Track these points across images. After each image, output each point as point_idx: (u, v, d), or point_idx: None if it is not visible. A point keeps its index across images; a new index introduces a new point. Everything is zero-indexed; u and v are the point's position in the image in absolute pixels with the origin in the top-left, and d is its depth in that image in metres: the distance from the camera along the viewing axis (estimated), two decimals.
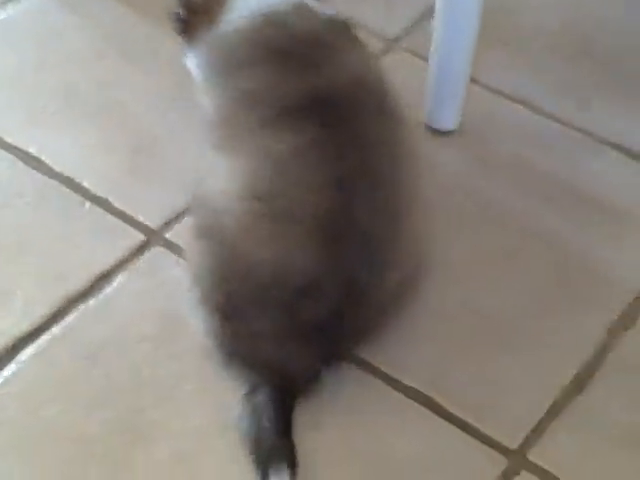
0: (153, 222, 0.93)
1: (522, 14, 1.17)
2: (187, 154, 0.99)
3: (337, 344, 0.76)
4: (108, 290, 0.87)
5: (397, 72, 1.02)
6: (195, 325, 0.78)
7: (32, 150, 0.99)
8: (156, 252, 0.91)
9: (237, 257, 0.75)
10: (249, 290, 0.75)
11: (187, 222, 0.90)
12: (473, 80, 1.04)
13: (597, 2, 1.20)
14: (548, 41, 1.13)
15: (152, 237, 0.92)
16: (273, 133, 0.77)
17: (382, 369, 0.80)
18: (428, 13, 1.01)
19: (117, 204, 0.95)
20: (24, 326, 0.84)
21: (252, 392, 0.75)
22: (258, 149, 0.77)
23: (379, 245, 0.75)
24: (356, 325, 0.76)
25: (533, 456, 0.75)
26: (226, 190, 0.76)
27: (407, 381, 0.79)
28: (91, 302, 0.87)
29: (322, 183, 0.74)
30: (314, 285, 0.73)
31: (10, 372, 0.79)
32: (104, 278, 0.88)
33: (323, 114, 0.77)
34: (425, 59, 1.01)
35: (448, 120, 1.02)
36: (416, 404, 0.78)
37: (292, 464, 0.71)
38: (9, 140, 1.00)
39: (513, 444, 0.75)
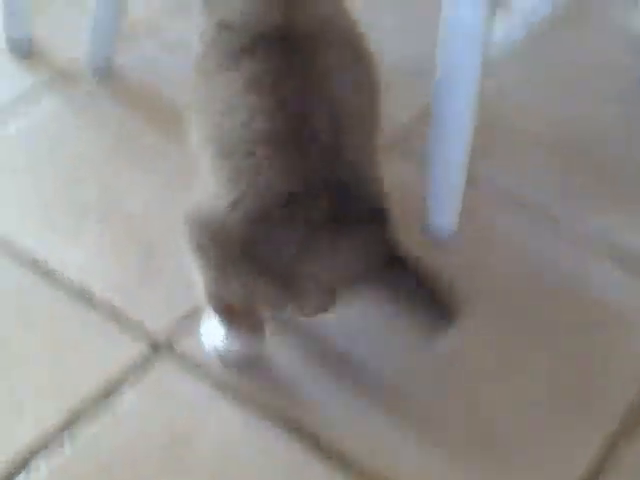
0: (160, 328, 0.95)
1: (519, 124, 1.18)
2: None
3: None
4: (117, 400, 0.88)
5: (394, 178, 1.06)
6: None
7: (40, 256, 1.01)
8: (164, 360, 0.92)
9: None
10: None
11: (193, 325, 0.93)
12: (472, 185, 1.05)
13: (591, 113, 1.20)
14: (544, 149, 1.15)
15: (159, 344, 0.93)
16: (238, 62, 0.82)
17: None
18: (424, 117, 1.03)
19: (126, 311, 0.96)
20: (35, 438, 0.84)
21: None
22: (226, 79, 0.83)
23: (346, 151, 0.81)
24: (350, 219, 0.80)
25: None
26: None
27: None
28: (100, 413, 0.86)
29: (275, 106, 0.79)
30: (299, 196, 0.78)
31: None
32: (113, 388, 0.89)
33: (286, 46, 0.82)
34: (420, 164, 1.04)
35: (446, 227, 1.04)
36: None
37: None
38: (20, 247, 1.02)
39: None
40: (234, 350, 0.90)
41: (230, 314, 0.88)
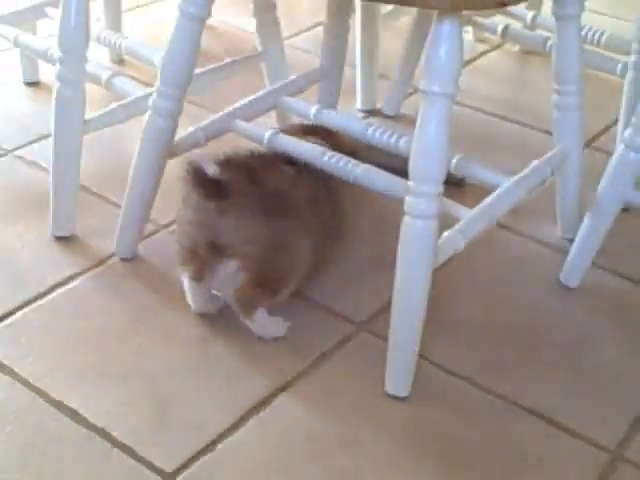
0: (169, 466, 1.02)
1: (460, 305, 1.30)
2: (201, 406, 1.10)
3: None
4: None
5: (363, 352, 1.20)
6: None
7: (73, 405, 1.09)
8: None
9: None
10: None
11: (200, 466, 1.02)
12: (423, 357, 1.15)
13: (517, 298, 1.31)
14: (480, 327, 1.26)
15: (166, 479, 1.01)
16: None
17: None
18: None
19: (140, 452, 1.03)
20: None
21: None
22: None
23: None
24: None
25: None
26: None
27: None
28: None
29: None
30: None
31: None
32: None
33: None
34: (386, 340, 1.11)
35: (401, 387, 1.13)
36: None
37: None
38: (54, 396, 1.10)
39: None
40: (191, 299, 1.22)
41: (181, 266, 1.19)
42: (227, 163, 1.20)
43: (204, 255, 1.16)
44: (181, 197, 1.19)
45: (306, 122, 1.41)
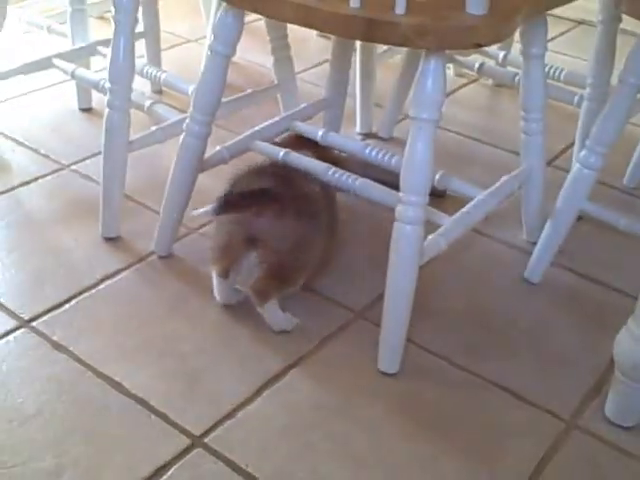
0: (197, 430, 1.02)
1: (441, 297, 1.28)
2: (224, 381, 1.10)
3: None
4: (164, 478, 0.95)
5: (360, 336, 1.20)
6: None
7: (117, 378, 1.09)
8: (200, 451, 0.99)
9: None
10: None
11: (228, 428, 1.02)
12: (410, 340, 1.15)
13: (489, 291, 1.30)
14: (458, 315, 1.25)
15: (196, 441, 1.00)
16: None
17: None
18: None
19: (173, 417, 1.03)
20: None
21: None
22: None
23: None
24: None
25: None
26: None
27: None
28: None
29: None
30: None
31: None
32: (162, 468, 0.97)
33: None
34: (380, 326, 1.11)
35: (391, 365, 1.12)
36: None
37: None
38: (101, 371, 1.10)
39: None
40: (217, 291, 1.21)
41: (212, 264, 1.18)
42: (260, 171, 1.21)
43: (237, 248, 1.15)
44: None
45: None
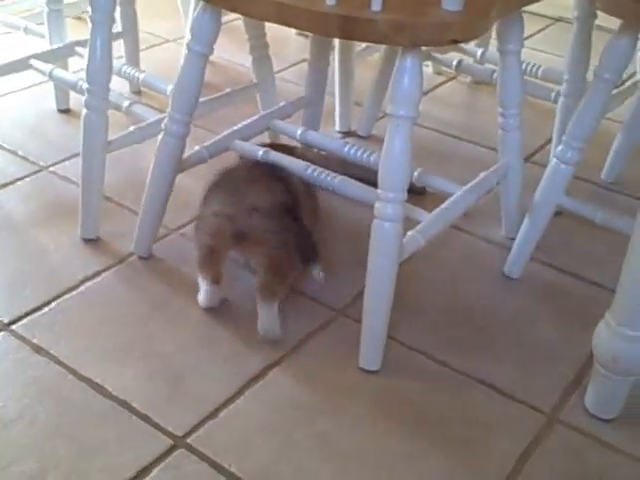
0: (180, 430, 1.02)
1: (421, 294, 1.29)
2: (206, 381, 1.09)
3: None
4: (147, 477, 0.95)
5: (341, 333, 1.19)
6: None
7: (98, 380, 1.08)
8: (183, 451, 0.99)
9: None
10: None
11: (208, 431, 1.01)
12: (391, 337, 1.15)
13: (469, 287, 1.31)
14: (439, 311, 1.25)
15: (178, 441, 1.00)
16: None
17: None
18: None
19: (155, 419, 1.03)
20: None
21: None
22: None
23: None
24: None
25: None
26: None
27: None
28: None
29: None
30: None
31: None
32: (145, 469, 0.96)
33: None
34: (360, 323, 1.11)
35: (373, 362, 1.12)
36: None
37: None
38: (83, 373, 1.09)
39: None
40: (205, 298, 1.19)
41: (202, 272, 1.17)
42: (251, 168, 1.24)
43: (226, 243, 1.15)
44: (202, 200, 1.22)
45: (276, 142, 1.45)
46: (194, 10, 1.75)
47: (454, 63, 1.73)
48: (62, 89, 1.74)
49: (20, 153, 1.62)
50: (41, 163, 1.60)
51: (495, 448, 1.03)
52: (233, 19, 1.80)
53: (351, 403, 1.09)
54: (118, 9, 1.73)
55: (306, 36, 2.01)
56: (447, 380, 1.14)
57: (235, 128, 1.38)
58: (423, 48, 0.99)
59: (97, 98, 1.29)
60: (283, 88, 1.77)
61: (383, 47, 1.66)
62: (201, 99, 1.25)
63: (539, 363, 1.17)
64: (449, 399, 1.10)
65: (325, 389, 1.11)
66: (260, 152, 1.31)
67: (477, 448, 1.03)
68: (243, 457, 0.99)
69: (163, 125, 1.24)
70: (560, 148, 1.24)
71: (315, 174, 1.26)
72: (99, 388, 1.08)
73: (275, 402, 1.08)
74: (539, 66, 1.63)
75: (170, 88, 1.45)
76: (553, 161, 1.26)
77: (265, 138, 1.57)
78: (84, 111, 1.30)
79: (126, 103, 1.45)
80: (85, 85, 1.29)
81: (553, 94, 1.54)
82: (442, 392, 1.11)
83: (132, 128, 1.39)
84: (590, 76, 1.24)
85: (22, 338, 1.15)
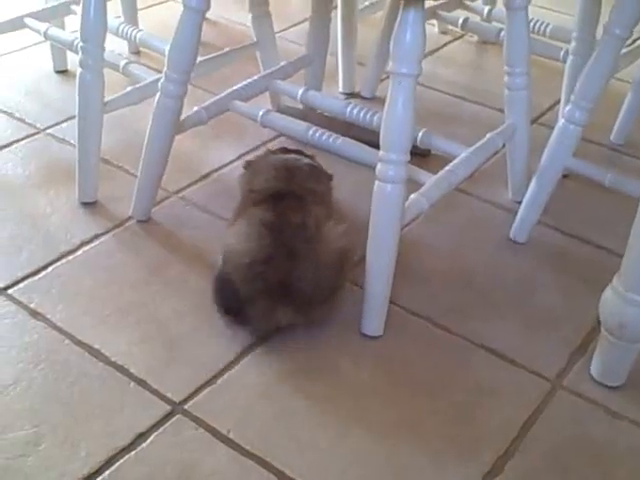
0: (177, 397, 1.00)
1: (424, 258, 1.26)
2: (204, 347, 1.08)
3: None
4: (144, 445, 0.94)
5: (344, 301, 1.13)
6: None
7: (96, 346, 1.06)
8: (180, 417, 0.97)
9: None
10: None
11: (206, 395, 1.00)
12: (393, 302, 1.12)
13: (474, 252, 1.28)
14: (442, 277, 1.23)
15: (176, 407, 0.99)
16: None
17: None
18: None
19: (153, 384, 1.01)
20: (87, 469, 0.90)
21: None
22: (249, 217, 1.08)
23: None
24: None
25: None
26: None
27: None
28: (131, 454, 0.92)
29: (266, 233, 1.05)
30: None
31: None
32: (143, 435, 0.95)
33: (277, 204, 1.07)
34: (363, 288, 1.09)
35: (375, 328, 1.10)
36: None
37: None
38: (80, 338, 1.07)
39: None
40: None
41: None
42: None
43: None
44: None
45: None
46: None
47: (460, 22, 1.68)
48: (59, 49, 1.70)
49: (17, 115, 1.59)
50: (38, 125, 1.56)
51: (498, 414, 1.01)
52: None
53: (352, 369, 1.06)
54: None
55: None
56: (450, 346, 1.11)
57: (235, 88, 1.35)
58: (428, 4, 0.95)
59: (92, 57, 1.25)
60: (285, 48, 1.73)
61: (387, 4, 1.61)
62: (199, 58, 1.22)
63: (544, 329, 1.15)
64: (452, 365, 1.08)
65: (326, 355, 1.09)
66: (260, 113, 1.28)
67: (480, 414, 1.01)
68: (241, 423, 0.98)
69: (160, 85, 1.21)
70: (568, 108, 1.20)
71: (317, 136, 1.23)
72: (96, 353, 1.06)
73: (274, 369, 1.06)
74: (547, 24, 1.59)
75: (168, 47, 1.41)
76: (561, 122, 1.22)
77: (265, 99, 1.54)
78: (79, 70, 1.27)
79: (123, 63, 1.41)
80: (80, 43, 1.25)
81: (562, 53, 1.50)
82: (445, 358, 1.09)
83: (129, 88, 1.35)
84: (600, 34, 1.19)
85: (19, 303, 1.14)
